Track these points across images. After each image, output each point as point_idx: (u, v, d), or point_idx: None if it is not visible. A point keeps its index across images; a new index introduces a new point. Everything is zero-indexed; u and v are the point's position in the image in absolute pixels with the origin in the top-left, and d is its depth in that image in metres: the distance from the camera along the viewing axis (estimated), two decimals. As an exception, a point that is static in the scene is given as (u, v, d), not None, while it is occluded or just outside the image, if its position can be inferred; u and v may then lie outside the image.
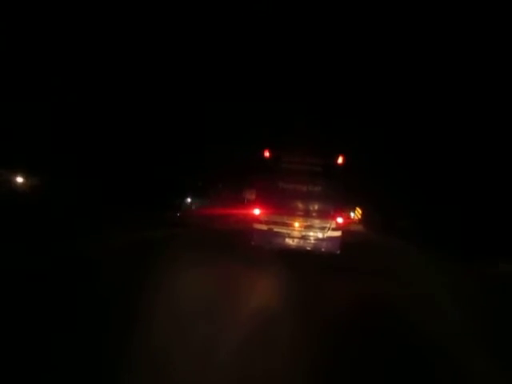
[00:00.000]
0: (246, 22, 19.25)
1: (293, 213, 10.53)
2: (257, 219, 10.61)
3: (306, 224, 10.44)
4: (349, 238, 13.50)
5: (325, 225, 10.40)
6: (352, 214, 34.18)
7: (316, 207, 10.61)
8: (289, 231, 10.44)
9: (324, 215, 10.48)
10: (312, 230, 10.43)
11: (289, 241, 10.47)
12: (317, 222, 10.44)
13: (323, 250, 10.42)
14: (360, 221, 33.55)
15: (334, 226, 10.39)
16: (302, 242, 10.45)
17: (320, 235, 10.40)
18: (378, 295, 7.33)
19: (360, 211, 34.04)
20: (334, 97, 23.96)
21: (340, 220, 10.56)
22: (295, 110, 24.85)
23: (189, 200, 29.84)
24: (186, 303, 5.48)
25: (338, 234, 10.47)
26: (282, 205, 10.52)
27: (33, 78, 13.53)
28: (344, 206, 11.50)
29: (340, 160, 10.51)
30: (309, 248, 10.46)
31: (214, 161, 25.08)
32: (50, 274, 6.59)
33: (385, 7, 17.70)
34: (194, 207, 29.72)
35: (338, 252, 10.41)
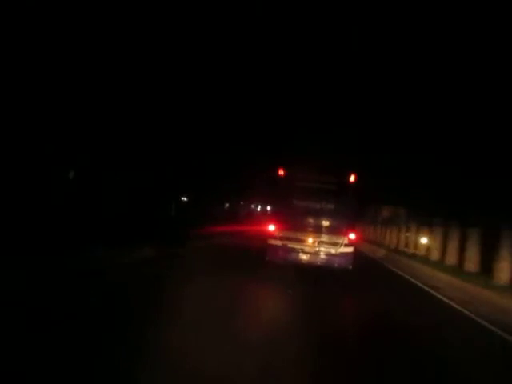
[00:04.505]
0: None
1: (306, 229, 10.88)
2: (271, 235, 10.97)
3: (319, 240, 10.77)
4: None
5: (337, 241, 10.71)
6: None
7: (329, 224, 10.94)
8: (302, 247, 10.77)
9: (337, 231, 10.80)
10: (325, 246, 10.74)
11: (302, 256, 10.79)
12: (330, 238, 10.76)
13: (336, 265, 10.71)
14: None
15: (346, 242, 10.71)
16: (315, 257, 10.77)
17: (333, 251, 10.71)
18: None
19: None
20: (349, 114, 24.37)
21: (352, 236, 10.87)
22: (309, 129, 25.38)
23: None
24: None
25: (350, 249, 10.77)
26: (296, 221, 10.89)
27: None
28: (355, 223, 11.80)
29: (352, 178, 10.91)
30: (322, 263, 10.76)
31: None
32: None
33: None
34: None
35: (351, 267, 10.69)
